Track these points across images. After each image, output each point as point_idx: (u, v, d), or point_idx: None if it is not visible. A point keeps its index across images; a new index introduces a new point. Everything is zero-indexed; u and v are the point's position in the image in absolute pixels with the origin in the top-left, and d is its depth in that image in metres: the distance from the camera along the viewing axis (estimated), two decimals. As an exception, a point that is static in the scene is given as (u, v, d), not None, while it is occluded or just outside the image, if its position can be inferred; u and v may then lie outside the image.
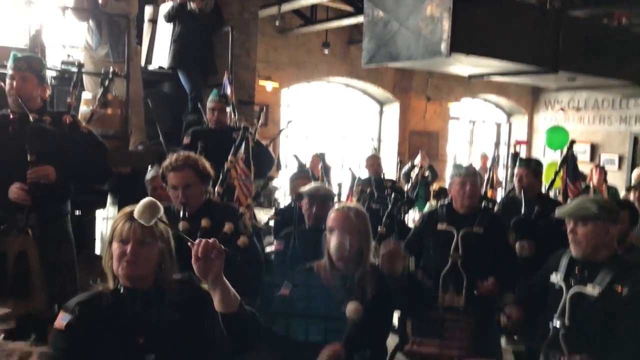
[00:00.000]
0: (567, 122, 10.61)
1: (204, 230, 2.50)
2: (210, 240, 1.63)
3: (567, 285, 2.36)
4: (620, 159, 10.58)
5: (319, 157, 5.08)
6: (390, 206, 3.56)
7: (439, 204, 3.51)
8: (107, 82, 3.97)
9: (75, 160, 2.90)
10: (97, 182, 3.61)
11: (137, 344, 1.71)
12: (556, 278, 2.44)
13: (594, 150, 10.97)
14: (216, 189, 3.15)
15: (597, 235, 2.30)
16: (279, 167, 7.11)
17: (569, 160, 4.72)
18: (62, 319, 1.70)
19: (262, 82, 7.61)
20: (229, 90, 5.13)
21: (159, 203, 1.66)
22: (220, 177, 3.33)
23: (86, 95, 4.54)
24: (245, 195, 3.85)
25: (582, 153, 10.23)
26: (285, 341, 2.27)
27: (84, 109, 4.34)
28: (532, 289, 2.77)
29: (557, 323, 2.34)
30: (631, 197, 4.63)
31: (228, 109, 4.58)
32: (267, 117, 7.51)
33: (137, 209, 1.63)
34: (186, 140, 4.33)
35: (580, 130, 10.64)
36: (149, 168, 3.86)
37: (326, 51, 8.32)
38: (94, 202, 4.54)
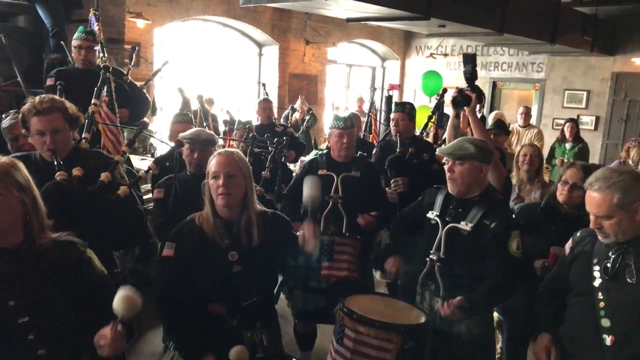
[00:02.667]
0: (436, 68, 11.18)
1: (77, 179, 2.33)
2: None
3: (443, 221, 2.52)
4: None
5: (198, 100, 4.90)
6: (273, 150, 3.57)
7: (319, 154, 3.60)
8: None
9: (104, 227, 2.38)
10: (127, 246, 3.17)
11: (7, 307, 1.59)
12: (432, 214, 2.59)
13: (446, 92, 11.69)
14: (83, 134, 2.91)
15: (472, 173, 2.46)
16: (154, 111, 6.78)
17: (440, 108, 5.03)
18: None
19: (132, 19, 7.06)
20: (96, 27, 4.71)
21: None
22: (85, 122, 3.07)
23: None
24: (111, 142, 3.62)
25: (448, 97, 10.88)
26: (179, 308, 2.17)
27: None
28: (404, 220, 2.91)
29: (433, 256, 2.51)
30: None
31: (96, 48, 4.22)
32: (139, 57, 7.04)
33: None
34: (50, 81, 3.96)
35: (448, 75, 11.30)
36: (3, 116, 3.43)
37: (201, -12, 7.90)
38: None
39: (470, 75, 3.18)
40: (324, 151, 3.60)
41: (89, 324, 1.69)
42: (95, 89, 3.41)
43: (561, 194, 2.85)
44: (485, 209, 2.44)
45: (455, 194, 2.53)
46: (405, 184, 3.73)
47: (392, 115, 4.27)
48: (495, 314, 3.45)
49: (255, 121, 5.90)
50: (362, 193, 3.32)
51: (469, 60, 3.22)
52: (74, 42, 4.08)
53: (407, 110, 4.18)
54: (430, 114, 5.04)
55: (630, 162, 5.15)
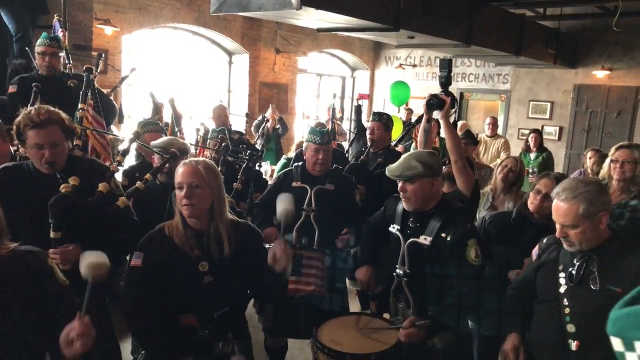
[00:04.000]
0: (405, 78, 11.33)
1: (75, 189, 2.29)
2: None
3: (404, 236, 2.54)
4: (449, 113, 11.64)
5: (170, 103, 4.82)
6: (246, 162, 3.55)
7: (294, 165, 3.60)
8: None
9: (104, 240, 2.33)
10: (121, 260, 3.14)
11: None
12: (394, 229, 2.61)
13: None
14: (75, 142, 2.86)
15: (424, 190, 2.49)
16: (121, 119, 6.67)
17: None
18: None
19: (100, 26, 6.95)
20: (60, 33, 4.63)
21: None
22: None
23: None
24: (101, 144, 3.55)
25: (416, 108, 11.07)
26: (149, 319, 2.13)
27: None
28: (371, 229, 2.90)
29: (399, 271, 2.53)
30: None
31: (61, 54, 4.14)
32: (107, 64, 6.93)
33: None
34: (12, 89, 3.89)
35: (416, 85, 11.46)
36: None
37: (171, -5, 7.84)
38: None
39: (445, 80, 3.24)
40: (299, 163, 3.58)
41: (50, 334, 1.67)
42: (81, 92, 3.36)
43: (532, 202, 2.91)
44: (442, 221, 2.46)
45: (411, 210, 2.55)
46: (361, 192, 3.75)
47: (368, 124, 4.31)
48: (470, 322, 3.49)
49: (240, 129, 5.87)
50: (336, 207, 3.31)
51: (446, 66, 3.28)
52: (38, 49, 4.00)
53: (384, 120, 4.22)
54: (410, 126, 5.10)
55: (589, 171, 5.29)
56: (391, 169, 2.55)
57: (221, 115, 5.55)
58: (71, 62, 4.60)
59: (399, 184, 2.51)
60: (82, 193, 2.36)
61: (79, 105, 3.26)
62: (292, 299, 3.12)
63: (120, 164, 2.85)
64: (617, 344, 0.71)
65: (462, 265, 2.40)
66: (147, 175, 2.82)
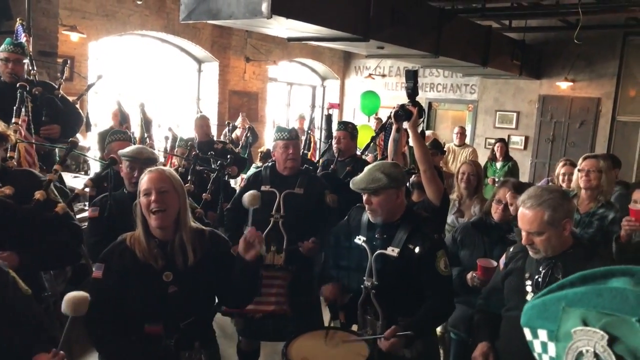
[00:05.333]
0: (374, 88, 11.44)
1: (7, 197, 2.23)
2: None
3: (371, 248, 2.52)
4: (418, 123, 11.80)
5: (140, 108, 4.74)
6: (216, 172, 3.52)
7: (263, 166, 3.56)
8: None
9: (40, 246, 2.32)
10: (60, 267, 3.06)
11: None
12: (360, 240, 2.58)
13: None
14: (9, 153, 2.78)
15: (389, 202, 2.47)
16: (88, 127, 6.54)
17: (387, 130, 5.10)
18: None
19: (66, 32, 6.82)
20: (23, 39, 4.51)
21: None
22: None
23: None
24: (28, 162, 3.46)
25: (386, 117, 11.15)
26: (109, 330, 2.08)
27: None
28: (336, 240, 2.84)
29: (367, 283, 2.50)
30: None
31: (25, 61, 4.04)
32: (73, 71, 6.80)
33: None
34: (-28, 96, 3.74)
35: (386, 95, 11.58)
36: None
37: (139, 2, 7.74)
38: None
39: (412, 91, 3.26)
40: (268, 164, 3.52)
41: (15, 344, 1.64)
42: (15, 107, 3.27)
43: (496, 212, 2.98)
44: (409, 232, 2.46)
45: (378, 222, 2.53)
46: (334, 200, 3.74)
47: (334, 133, 4.33)
48: (439, 329, 3.53)
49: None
50: (305, 211, 3.27)
51: (411, 77, 3.30)
52: (0, 55, 3.89)
53: (350, 129, 4.26)
54: (374, 134, 5.14)
55: (555, 180, 5.41)
56: (355, 182, 2.52)
57: (203, 125, 5.50)
58: (35, 68, 4.50)
59: (364, 197, 2.49)
60: (18, 203, 2.31)
61: (13, 120, 3.17)
62: (252, 319, 3.10)
63: (56, 172, 2.77)
64: (527, 333, 0.78)
65: (432, 276, 2.41)
66: (87, 182, 2.82)
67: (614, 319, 0.66)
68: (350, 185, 2.55)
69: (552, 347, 0.73)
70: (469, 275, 2.84)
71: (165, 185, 2.08)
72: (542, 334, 0.74)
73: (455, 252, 3.08)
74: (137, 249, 2.10)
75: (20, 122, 3.30)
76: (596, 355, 0.66)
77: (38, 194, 2.36)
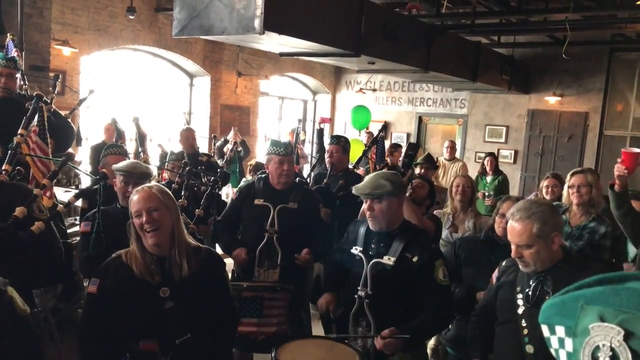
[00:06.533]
0: (365, 102, 11.52)
1: None
2: None
3: (367, 257, 2.54)
4: (408, 136, 11.90)
5: (134, 122, 4.74)
6: (209, 188, 3.52)
7: (256, 178, 3.55)
8: None
9: (19, 265, 2.23)
10: (47, 285, 2.97)
11: None
12: (356, 250, 2.60)
13: (387, 128, 12.16)
14: (4, 166, 2.76)
15: (391, 209, 2.51)
16: (79, 141, 6.53)
17: (379, 143, 5.15)
18: None
19: (58, 47, 6.83)
20: (14, 53, 4.52)
21: None
22: (9, 153, 2.91)
23: None
24: (42, 174, 3.46)
25: (376, 131, 11.25)
26: (100, 347, 2.07)
27: None
28: (337, 255, 2.87)
29: (361, 293, 2.50)
30: (417, 171, 5.22)
31: (17, 75, 4.05)
32: (65, 85, 6.80)
33: None
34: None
35: (376, 109, 11.66)
36: None
37: (131, 17, 7.78)
38: None
39: (409, 160, 3.46)
40: (261, 176, 3.52)
41: None
42: (25, 118, 3.26)
43: (499, 226, 2.99)
44: (406, 242, 2.49)
45: (377, 230, 2.55)
46: (327, 214, 3.75)
47: (327, 147, 4.36)
48: (432, 342, 3.52)
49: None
50: (299, 226, 3.26)
51: (413, 148, 3.63)
52: (-7, 69, 3.90)
53: (342, 143, 4.28)
54: (366, 148, 5.18)
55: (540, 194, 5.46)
56: (360, 188, 2.55)
57: (189, 137, 5.51)
58: (27, 83, 4.50)
59: (367, 203, 2.51)
60: (2, 218, 2.27)
61: (19, 131, 3.16)
62: (254, 341, 3.09)
63: (44, 187, 2.75)
64: (545, 330, 0.81)
65: (431, 285, 2.43)
66: (71, 198, 2.74)
67: (630, 316, 0.70)
68: (354, 191, 2.58)
69: (569, 343, 0.76)
70: (479, 295, 2.78)
71: (154, 204, 2.08)
72: (560, 330, 0.78)
73: (456, 267, 3.05)
74: (133, 264, 2.10)
75: (27, 134, 3.28)
76: (612, 349, 0.70)
77: (17, 211, 2.30)
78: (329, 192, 3.94)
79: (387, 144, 8.34)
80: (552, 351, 0.79)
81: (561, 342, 0.77)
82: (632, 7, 6.65)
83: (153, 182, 2.50)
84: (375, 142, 5.04)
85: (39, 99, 3.43)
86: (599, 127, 9.93)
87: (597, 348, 0.71)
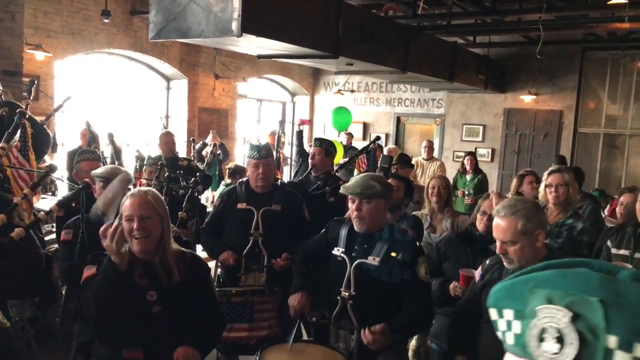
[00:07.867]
0: (344, 103, 11.55)
1: None
2: None
3: (350, 258, 2.53)
4: (387, 136, 11.97)
5: (108, 139, 4.69)
6: (190, 190, 3.49)
7: (238, 182, 3.54)
8: None
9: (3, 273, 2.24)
10: (26, 296, 2.95)
11: None
12: (338, 251, 2.58)
13: (366, 128, 12.22)
14: None
15: (378, 211, 2.52)
16: (54, 147, 6.42)
17: (371, 153, 5.17)
18: None
19: (30, 51, 6.70)
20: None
21: None
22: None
23: None
24: (21, 188, 3.42)
25: (356, 132, 11.31)
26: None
27: None
28: (308, 253, 2.84)
29: (344, 294, 2.50)
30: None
31: (-10, 81, 3.96)
32: (39, 90, 6.67)
33: None
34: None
35: (355, 110, 11.69)
36: None
37: (106, 20, 7.67)
38: None
39: (384, 173, 3.50)
40: (243, 180, 3.51)
41: None
42: (6, 132, 3.20)
43: (481, 223, 3.05)
44: (390, 242, 2.50)
45: (362, 231, 2.54)
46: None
47: (310, 149, 4.36)
48: (413, 343, 3.54)
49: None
50: (284, 228, 3.26)
51: (387, 162, 3.85)
52: (-35, 75, 3.82)
53: (325, 146, 4.29)
54: (355, 155, 5.18)
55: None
56: (349, 187, 2.54)
57: (168, 142, 5.44)
58: (1, 88, 4.41)
59: (354, 204, 2.49)
60: None
61: (1, 144, 3.09)
62: (246, 345, 3.06)
63: (25, 196, 2.71)
64: (493, 313, 0.82)
65: (412, 280, 2.44)
66: (53, 207, 2.69)
67: (577, 299, 0.71)
68: (341, 190, 2.59)
69: (517, 325, 0.77)
70: (451, 285, 2.88)
71: (147, 211, 2.06)
72: (508, 313, 0.78)
73: (438, 263, 3.14)
74: (119, 267, 2.07)
75: (9, 148, 3.22)
76: (559, 331, 0.71)
77: None
78: (301, 189, 3.93)
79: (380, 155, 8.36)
80: (499, 334, 0.80)
81: (509, 324, 0.78)
82: (603, 7, 6.78)
83: (147, 187, 2.46)
84: (367, 151, 5.05)
85: (22, 115, 3.37)
86: (573, 124, 10.12)
87: (544, 330, 0.72)
